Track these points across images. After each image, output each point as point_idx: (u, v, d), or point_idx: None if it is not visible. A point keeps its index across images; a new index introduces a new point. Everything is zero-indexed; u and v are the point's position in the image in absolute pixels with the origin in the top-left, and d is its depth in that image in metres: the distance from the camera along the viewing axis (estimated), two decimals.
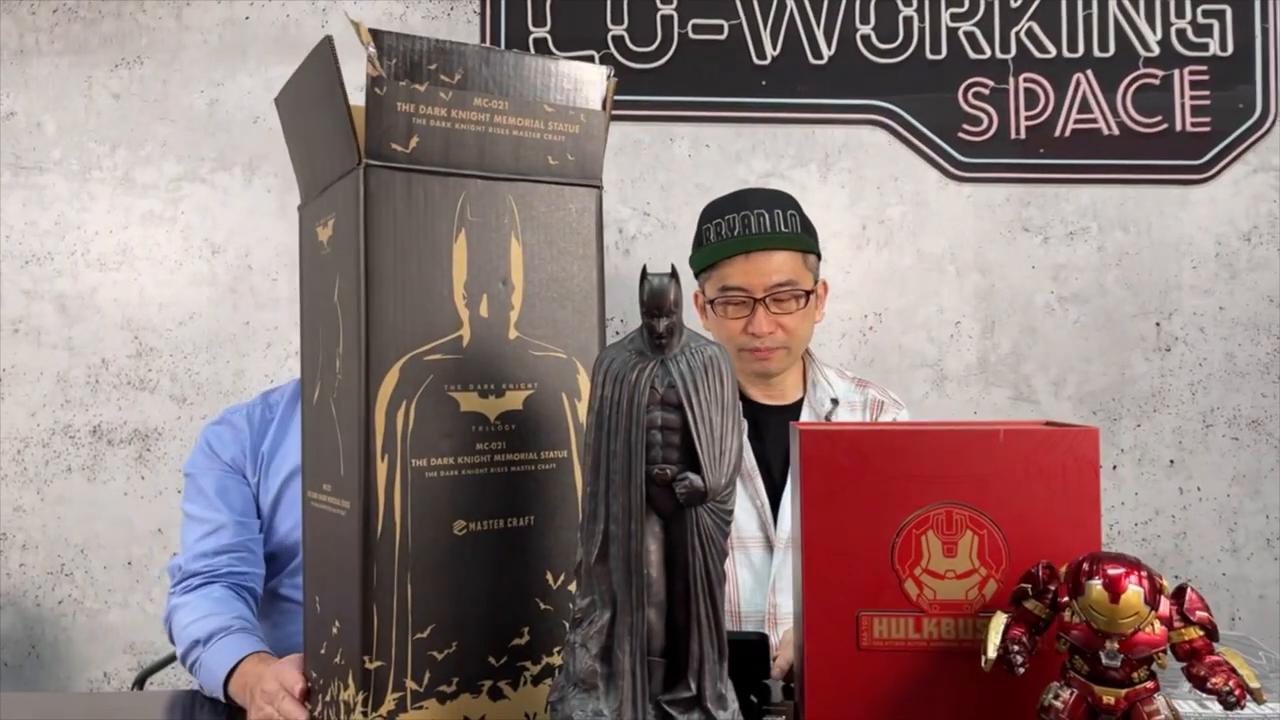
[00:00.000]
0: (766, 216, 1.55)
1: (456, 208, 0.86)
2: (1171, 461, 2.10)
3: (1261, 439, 2.10)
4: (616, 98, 2.07)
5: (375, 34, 0.82)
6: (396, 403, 0.84)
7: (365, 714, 0.82)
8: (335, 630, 0.88)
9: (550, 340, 0.91)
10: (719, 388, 0.76)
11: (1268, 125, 2.09)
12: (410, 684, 0.83)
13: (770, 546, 1.51)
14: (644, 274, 0.75)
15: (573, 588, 0.90)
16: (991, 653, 0.81)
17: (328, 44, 0.84)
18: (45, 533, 2.02)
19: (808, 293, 1.55)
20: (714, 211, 1.61)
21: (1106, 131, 2.10)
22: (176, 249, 2.05)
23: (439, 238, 0.86)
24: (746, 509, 1.52)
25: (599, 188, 0.93)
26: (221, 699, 1.13)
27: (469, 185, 0.87)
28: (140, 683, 1.58)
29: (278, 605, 1.42)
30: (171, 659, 1.59)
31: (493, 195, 0.88)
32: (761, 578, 1.51)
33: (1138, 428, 2.10)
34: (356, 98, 0.83)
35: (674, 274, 0.75)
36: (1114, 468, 2.10)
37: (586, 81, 0.92)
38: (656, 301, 0.75)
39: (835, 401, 1.61)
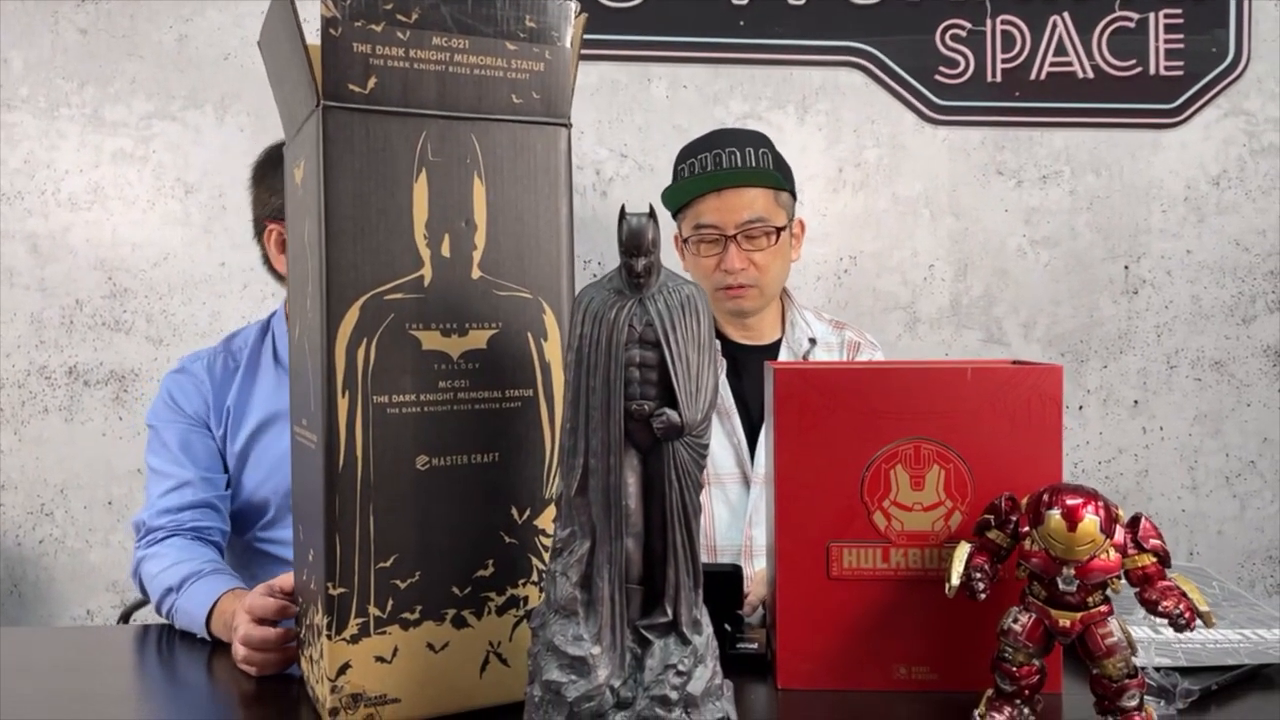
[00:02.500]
0: (738, 154, 1.57)
1: (417, 148, 0.87)
2: (1136, 402, 2.15)
3: (1223, 380, 2.15)
4: (594, 37, 2.06)
5: None
6: (357, 341, 0.85)
7: (330, 637, 0.85)
8: (311, 558, 0.90)
9: (515, 280, 0.91)
10: (695, 326, 0.78)
11: (1240, 69, 2.11)
12: (373, 610, 0.86)
13: (747, 482, 1.55)
14: (622, 213, 0.77)
15: (537, 522, 0.92)
16: (955, 580, 0.85)
17: None
18: (24, 473, 2.03)
19: (779, 229, 1.57)
20: (688, 151, 1.63)
21: (1081, 75, 2.11)
22: (148, 188, 2.03)
23: (399, 178, 0.86)
24: (724, 446, 1.56)
25: (567, 125, 0.93)
26: (207, 638, 1.15)
27: (429, 125, 0.87)
28: (125, 618, 1.60)
29: (255, 559, 1.41)
30: None
31: (454, 135, 0.88)
32: (738, 513, 1.54)
33: (1104, 369, 2.15)
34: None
35: (652, 214, 0.77)
36: (1080, 408, 2.15)
37: (553, 17, 0.92)
38: (634, 241, 0.76)
39: (813, 341, 1.64)
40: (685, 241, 1.62)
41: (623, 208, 0.77)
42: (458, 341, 0.89)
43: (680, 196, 1.60)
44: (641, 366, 0.76)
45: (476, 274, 0.90)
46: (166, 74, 2.02)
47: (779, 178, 1.59)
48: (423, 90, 0.87)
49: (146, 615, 1.54)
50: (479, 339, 0.90)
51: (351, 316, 0.85)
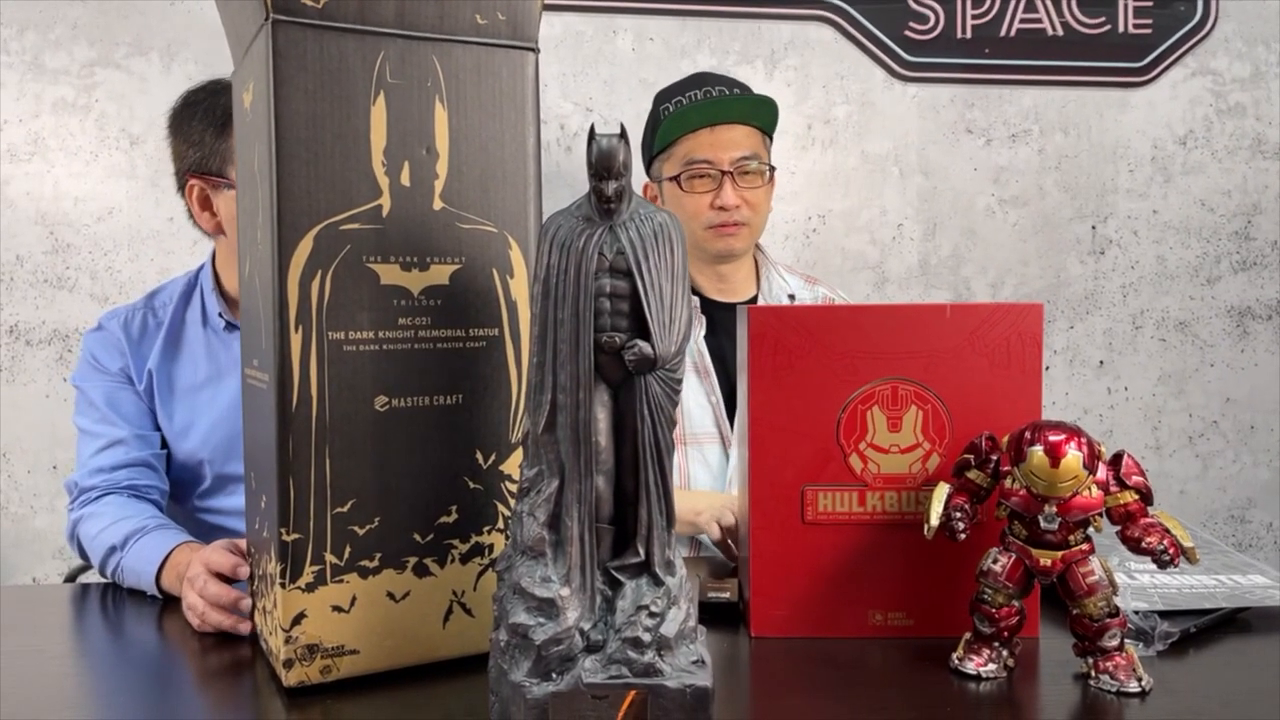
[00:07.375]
0: (727, 91, 1.56)
1: (374, 69, 0.82)
2: (1101, 362, 2.15)
3: (1187, 340, 2.16)
4: None
5: None
6: (310, 273, 0.80)
7: (284, 585, 0.81)
8: (263, 505, 0.86)
9: (479, 213, 0.87)
10: (669, 255, 0.74)
11: (1208, 28, 2.10)
12: (330, 557, 0.82)
13: (725, 443, 1.52)
14: (592, 133, 0.72)
15: (503, 467, 0.88)
16: (934, 520, 0.83)
17: None
18: None
19: (772, 169, 1.59)
20: (673, 90, 1.61)
21: (1051, 32, 2.09)
22: (91, 139, 1.94)
23: (355, 100, 0.81)
24: (702, 405, 1.53)
25: (535, 50, 0.89)
26: (158, 595, 1.10)
27: (387, 44, 0.82)
28: (71, 580, 1.54)
29: (192, 528, 1.31)
30: None
31: (414, 56, 0.83)
32: (717, 474, 1.51)
33: (1071, 329, 2.15)
34: None
35: (623, 134, 0.73)
36: (1047, 369, 2.14)
37: None
38: (605, 163, 0.72)
39: (792, 298, 1.62)
40: (675, 179, 1.56)
41: (592, 127, 0.73)
42: (418, 276, 0.85)
43: (672, 132, 1.55)
44: (612, 297, 0.73)
45: (438, 205, 0.85)
46: (110, 19, 1.93)
47: (766, 117, 1.58)
48: (380, 7, 0.82)
49: (91, 578, 1.48)
50: (441, 274, 0.85)
51: (305, 247, 0.80)
